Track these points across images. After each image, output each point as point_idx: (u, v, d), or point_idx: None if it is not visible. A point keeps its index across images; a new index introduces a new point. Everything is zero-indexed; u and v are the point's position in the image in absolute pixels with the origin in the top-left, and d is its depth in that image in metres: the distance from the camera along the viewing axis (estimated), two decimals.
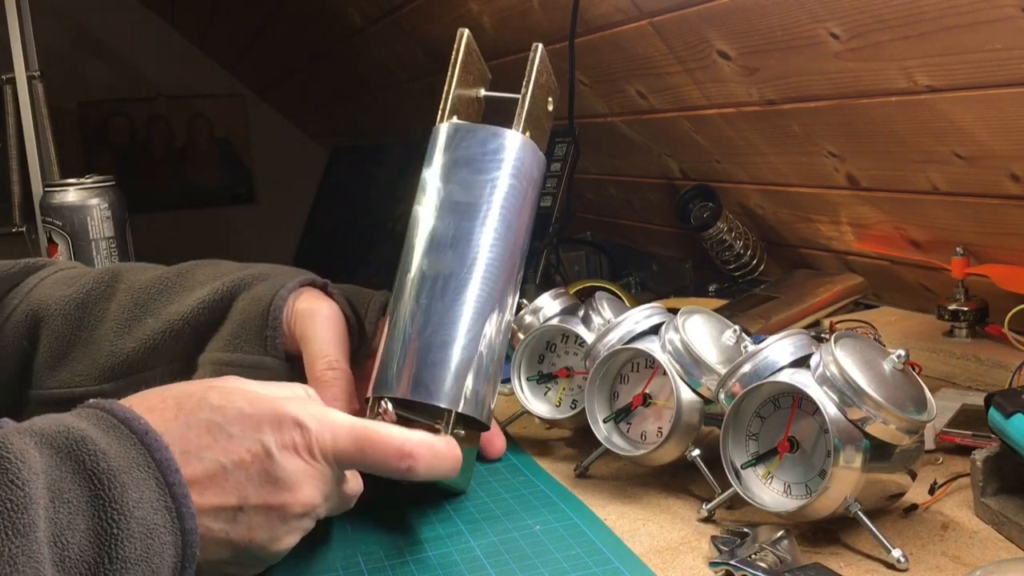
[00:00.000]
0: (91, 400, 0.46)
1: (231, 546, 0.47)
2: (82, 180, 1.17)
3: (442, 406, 0.62)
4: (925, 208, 0.99)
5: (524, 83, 0.69)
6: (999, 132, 0.82)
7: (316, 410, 0.51)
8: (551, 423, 0.79)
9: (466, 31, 0.71)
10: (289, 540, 0.50)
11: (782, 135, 1.09)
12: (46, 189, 1.19)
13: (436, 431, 0.62)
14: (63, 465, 0.41)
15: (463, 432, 0.63)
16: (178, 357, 0.70)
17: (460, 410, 0.62)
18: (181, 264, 0.76)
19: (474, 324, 0.63)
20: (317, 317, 0.68)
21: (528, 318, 0.81)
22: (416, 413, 0.64)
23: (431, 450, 0.53)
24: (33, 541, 0.38)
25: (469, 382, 0.63)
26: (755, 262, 1.26)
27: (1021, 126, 0.80)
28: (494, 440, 0.74)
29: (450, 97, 0.69)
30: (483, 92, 0.74)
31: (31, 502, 0.38)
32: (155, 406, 0.47)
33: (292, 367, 0.69)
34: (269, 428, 0.48)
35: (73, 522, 0.40)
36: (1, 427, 0.42)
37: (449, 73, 0.69)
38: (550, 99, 0.72)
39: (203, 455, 0.46)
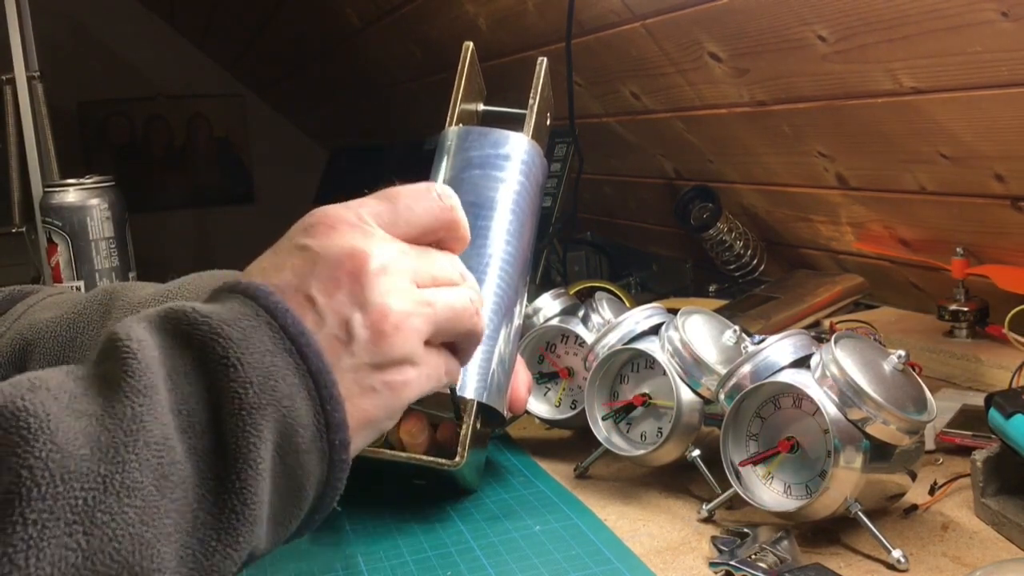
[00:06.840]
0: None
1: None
2: (82, 180, 1.17)
3: (468, 397, 0.62)
4: (914, 207, 0.99)
5: (532, 94, 0.71)
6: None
7: None
8: (551, 424, 0.79)
9: (470, 45, 0.72)
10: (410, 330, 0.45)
11: (773, 135, 1.09)
12: (46, 189, 1.19)
13: (456, 422, 0.63)
14: (173, 343, 0.40)
15: (478, 425, 0.63)
16: None
17: (485, 400, 0.62)
18: (181, 278, 0.72)
19: (493, 317, 0.64)
20: None
21: (528, 318, 0.81)
22: (428, 405, 0.64)
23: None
24: (157, 403, 0.37)
25: (491, 374, 0.63)
26: (755, 262, 1.26)
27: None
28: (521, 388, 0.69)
29: (457, 107, 0.71)
30: (481, 106, 0.76)
31: (147, 368, 0.38)
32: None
33: None
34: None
35: (195, 392, 0.39)
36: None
37: (456, 84, 0.71)
38: (548, 113, 0.75)
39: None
